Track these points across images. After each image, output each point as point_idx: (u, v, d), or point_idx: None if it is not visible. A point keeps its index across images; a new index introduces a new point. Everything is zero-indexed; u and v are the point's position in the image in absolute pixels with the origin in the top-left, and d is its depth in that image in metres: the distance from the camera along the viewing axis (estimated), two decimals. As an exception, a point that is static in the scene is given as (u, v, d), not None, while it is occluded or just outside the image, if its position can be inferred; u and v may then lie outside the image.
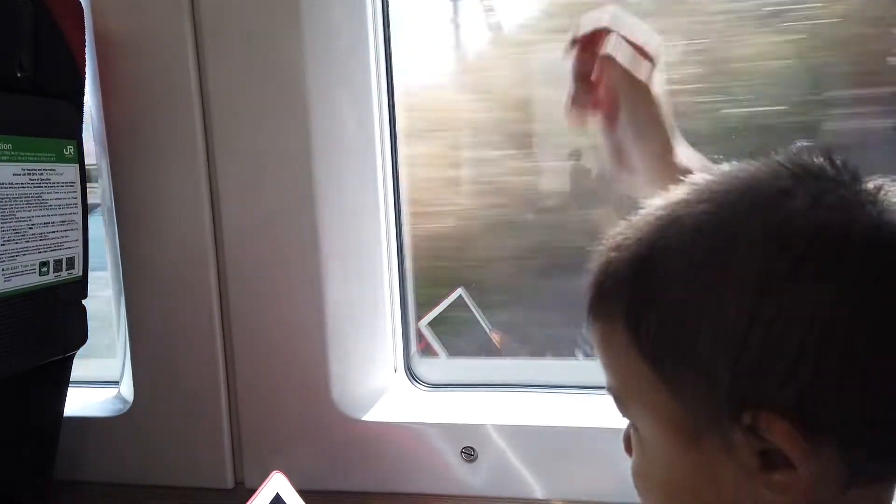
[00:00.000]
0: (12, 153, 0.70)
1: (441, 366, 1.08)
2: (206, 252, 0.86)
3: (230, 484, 0.91)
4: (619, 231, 0.44)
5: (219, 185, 0.86)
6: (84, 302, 0.82)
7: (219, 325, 0.88)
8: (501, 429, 0.85)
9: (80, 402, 0.96)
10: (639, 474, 0.46)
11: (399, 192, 0.97)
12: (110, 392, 1.00)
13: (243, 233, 0.86)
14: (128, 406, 0.93)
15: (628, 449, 0.48)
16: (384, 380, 0.95)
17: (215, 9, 0.82)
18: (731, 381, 0.37)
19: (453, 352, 1.16)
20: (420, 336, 1.08)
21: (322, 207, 0.85)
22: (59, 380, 0.82)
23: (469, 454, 0.85)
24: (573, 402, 0.90)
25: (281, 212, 0.85)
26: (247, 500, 0.67)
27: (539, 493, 0.84)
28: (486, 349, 1.24)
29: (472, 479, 0.85)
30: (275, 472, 0.70)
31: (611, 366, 0.45)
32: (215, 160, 0.85)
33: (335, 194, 0.86)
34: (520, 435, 0.84)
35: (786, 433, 0.36)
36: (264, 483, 0.69)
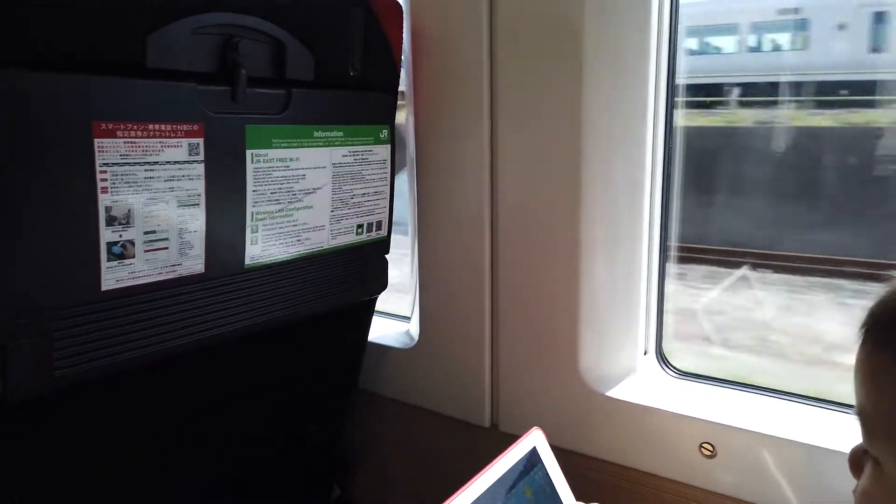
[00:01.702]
0: (343, 139, 0.88)
1: (700, 353, 1.07)
2: (483, 223, 0.98)
3: (487, 423, 1.05)
4: None
5: (498, 166, 0.96)
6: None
7: (488, 287, 1.01)
8: (746, 433, 0.83)
9: (383, 331, 1.19)
10: (868, 498, 0.46)
11: (670, 173, 0.97)
12: (406, 325, 1.21)
13: (515, 208, 0.96)
14: (414, 342, 1.12)
15: (856, 469, 0.47)
16: (632, 360, 0.98)
17: (509, 11, 0.91)
18: None
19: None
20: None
21: (586, 186, 0.90)
22: (364, 316, 1.04)
23: (709, 450, 0.85)
24: (835, 420, 0.83)
25: (547, 190, 0.92)
26: (499, 441, 0.75)
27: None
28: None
29: (707, 472, 0.86)
30: (535, 427, 0.75)
31: (870, 392, 0.45)
32: (497, 144, 0.95)
33: (600, 173, 0.90)
34: (765, 443, 0.81)
35: None
36: (524, 435, 0.74)
